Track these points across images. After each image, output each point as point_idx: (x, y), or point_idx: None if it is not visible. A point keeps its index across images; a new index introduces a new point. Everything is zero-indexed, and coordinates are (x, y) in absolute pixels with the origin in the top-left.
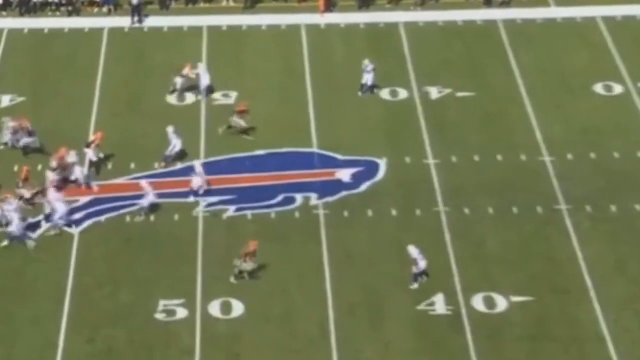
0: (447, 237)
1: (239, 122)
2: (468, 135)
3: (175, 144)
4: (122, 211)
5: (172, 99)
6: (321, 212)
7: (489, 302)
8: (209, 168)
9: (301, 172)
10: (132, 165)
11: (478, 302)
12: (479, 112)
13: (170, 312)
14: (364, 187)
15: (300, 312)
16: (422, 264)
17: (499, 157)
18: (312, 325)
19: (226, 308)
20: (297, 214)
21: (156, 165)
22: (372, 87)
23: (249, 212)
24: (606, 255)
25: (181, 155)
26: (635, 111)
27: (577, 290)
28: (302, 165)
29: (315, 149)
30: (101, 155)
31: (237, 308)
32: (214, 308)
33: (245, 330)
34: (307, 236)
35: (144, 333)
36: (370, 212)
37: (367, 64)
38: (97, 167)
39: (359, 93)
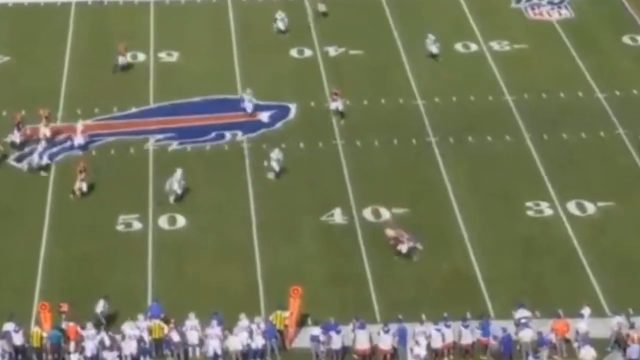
0: (343, 163)
1: None
2: (359, 85)
3: None
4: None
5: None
6: (245, 146)
7: (376, 214)
8: (157, 112)
9: (230, 114)
10: (96, 110)
11: (367, 213)
12: (368, 66)
13: (128, 225)
14: (279, 125)
15: (231, 226)
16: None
17: (383, 101)
18: (240, 235)
19: (172, 221)
20: (226, 148)
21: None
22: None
23: (189, 146)
24: (465, 177)
25: (136, 102)
26: (486, 64)
27: (444, 204)
28: (231, 109)
29: (240, 96)
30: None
31: (181, 221)
32: (163, 221)
33: (187, 239)
34: (235, 165)
35: (107, 241)
36: (283, 145)
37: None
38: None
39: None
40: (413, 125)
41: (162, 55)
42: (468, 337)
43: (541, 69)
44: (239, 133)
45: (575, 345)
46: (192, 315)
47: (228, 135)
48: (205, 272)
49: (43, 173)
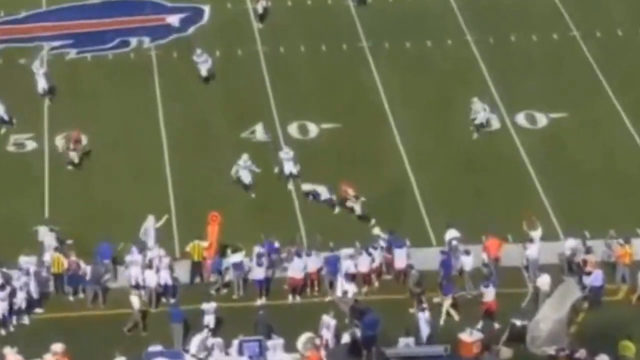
0: (265, 72)
1: None
2: None
3: None
4: None
5: None
6: (153, 54)
7: (303, 130)
8: (51, 16)
9: (134, 18)
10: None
11: (293, 130)
12: None
13: (20, 145)
14: (191, 30)
15: (139, 145)
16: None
17: (309, 1)
18: (150, 155)
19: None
20: (132, 56)
21: None
22: None
23: (89, 55)
24: (402, 86)
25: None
26: None
27: (379, 117)
28: (135, 12)
29: None
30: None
31: (84, 139)
32: (61, 140)
33: (94, 155)
34: (142, 76)
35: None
36: (197, 52)
37: None
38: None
39: None
40: (344, 29)
41: None
42: (403, 259)
43: None
44: (146, 40)
45: (527, 275)
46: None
47: (134, 41)
48: (111, 195)
49: None
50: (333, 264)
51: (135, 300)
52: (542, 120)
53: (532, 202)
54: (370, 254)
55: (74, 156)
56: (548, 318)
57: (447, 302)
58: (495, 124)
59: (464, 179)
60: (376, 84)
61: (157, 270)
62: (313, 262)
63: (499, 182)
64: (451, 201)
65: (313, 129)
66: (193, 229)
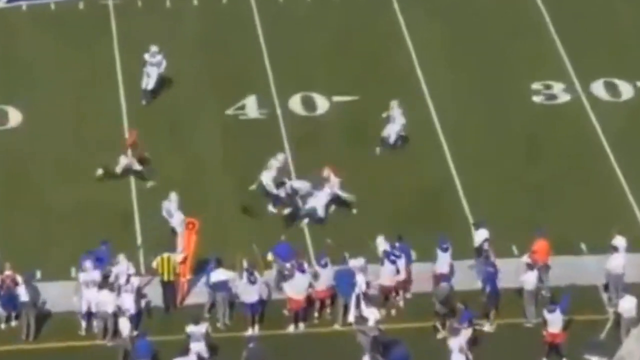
0: (259, 27)
1: None
2: None
3: None
4: None
5: None
6: (111, 2)
7: (308, 104)
8: None
9: None
10: None
11: (296, 104)
12: None
13: None
14: None
15: (94, 122)
16: None
17: None
18: (106, 131)
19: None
20: (81, 7)
21: None
22: None
23: (23, 4)
24: (439, 44)
25: None
26: None
27: (408, 84)
28: None
29: None
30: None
31: (14, 117)
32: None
33: (27, 140)
34: (97, 32)
35: None
36: (168, 4)
37: None
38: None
39: None
40: None
41: None
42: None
43: None
44: None
45: (606, 296)
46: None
47: None
48: (55, 191)
49: None
50: (347, 281)
51: (125, 326)
52: (627, 90)
53: (612, 199)
54: (393, 262)
55: (133, 162)
56: (634, 354)
57: (465, 336)
58: (563, 96)
59: (521, 169)
60: (405, 42)
61: (118, 292)
62: (321, 278)
63: (566, 171)
64: (503, 198)
65: (322, 103)
66: (162, 237)
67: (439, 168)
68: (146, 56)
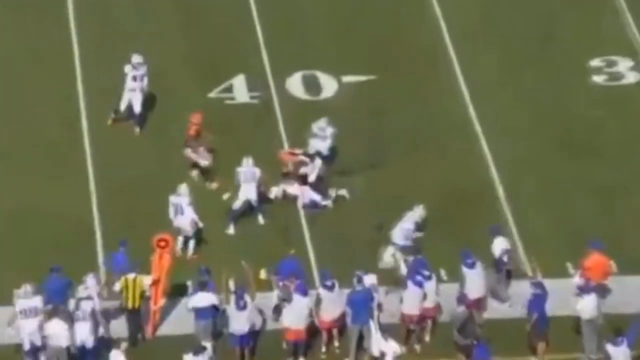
0: (253, 7)
1: None
2: None
3: None
4: None
5: None
6: None
7: (312, 85)
8: None
9: None
10: None
11: (295, 85)
12: None
13: None
14: None
15: (44, 103)
16: None
17: None
18: (59, 120)
19: None
20: None
21: None
22: None
23: None
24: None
25: None
26: None
27: (437, 61)
28: None
29: None
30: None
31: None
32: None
33: None
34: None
35: None
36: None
37: None
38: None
39: None
40: None
41: None
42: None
43: None
44: None
45: None
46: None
47: None
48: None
49: None
50: (364, 305)
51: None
52: None
53: None
54: (419, 285)
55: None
56: None
57: None
58: (630, 75)
59: (578, 167)
60: (433, 11)
61: (74, 320)
62: (325, 304)
63: (636, 170)
64: (555, 204)
65: (329, 84)
66: (128, 252)
67: (475, 166)
68: (127, 69)
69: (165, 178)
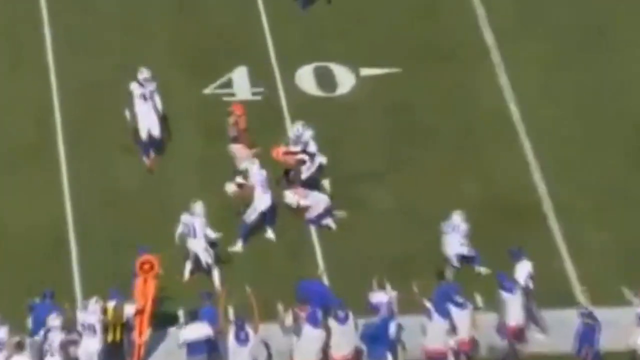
0: None
1: None
2: None
3: None
4: None
5: None
6: None
7: (325, 79)
8: None
9: None
10: None
11: (305, 78)
12: None
13: None
14: None
15: (12, 100)
16: None
17: None
18: (28, 118)
19: None
20: None
21: None
22: None
23: None
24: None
25: None
26: None
27: (475, 50)
28: None
29: None
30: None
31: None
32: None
33: None
34: None
35: None
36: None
37: None
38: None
39: None
40: None
41: None
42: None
43: None
44: None
45: None
46: None
47: None
48: None
49: None
50: (381, 339)
51: None
52: None
53: None
54: (446, 314)
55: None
56: None
57: None
58: None
59: (633, 177)
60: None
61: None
62: (338, 336)
63: None
64: (611, 218)
65: (345, 78)
66: (107, 274)
67: (518, 173)
68: (132, 87)
69: (152, 185)
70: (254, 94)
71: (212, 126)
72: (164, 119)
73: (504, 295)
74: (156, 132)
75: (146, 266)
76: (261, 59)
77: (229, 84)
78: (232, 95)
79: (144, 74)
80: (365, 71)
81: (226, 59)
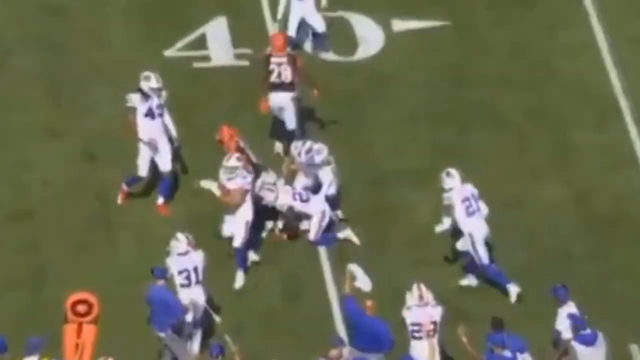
0: None
1: None
2: None
3: None
4: None
5: None
6: None
7: (341, 35)
8: None
9: None
10: None
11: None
12: None
13: None
14: None
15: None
16: None
17: None
18: None
19: None
20: None
21: None
22: None
23: None
24: None
25: None
26: None
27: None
28: None
29: None
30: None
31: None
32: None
33: None
34: None
35: None
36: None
37: None
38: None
39: None
40: None
41: None
42: None
43: None
44: None
45: None
46: None
47: None
48: None
49: None
50: None
51: None
52: None
53: None
54: None
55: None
56: None
57: None
58: None
59: None
60: None
61: None
62: None
63: None
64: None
65: (371, 35)
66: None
67: (628, 175)
68: (133, 99)
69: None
70: (237, 56)
71: (178, 98)
72: (179, 147)
73: (577, 347)
74: (167, 165)
75: (81, 307)
76: (247, 7)
77: (201, 44)
78: (206, 59)
79: (149, 81)
80: (399, 24)
81: (196, 9)
